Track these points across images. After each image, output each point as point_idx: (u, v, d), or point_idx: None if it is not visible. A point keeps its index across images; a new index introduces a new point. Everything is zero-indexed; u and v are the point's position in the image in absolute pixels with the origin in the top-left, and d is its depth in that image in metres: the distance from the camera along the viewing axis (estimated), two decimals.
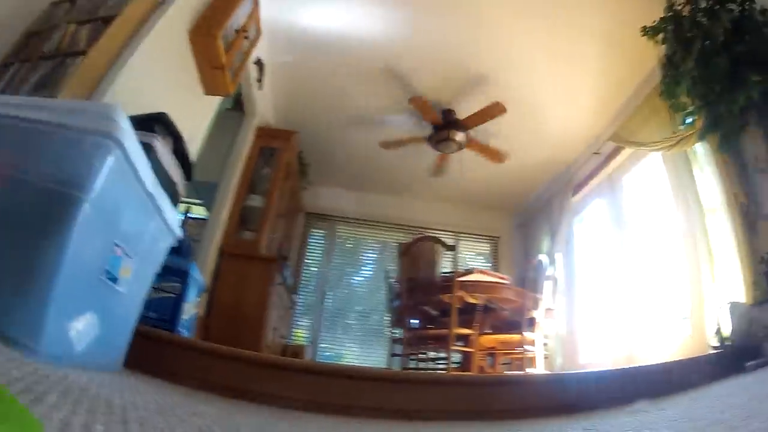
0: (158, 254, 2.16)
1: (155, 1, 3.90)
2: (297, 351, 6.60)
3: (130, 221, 1.82)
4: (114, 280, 1.78)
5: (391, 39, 5.58)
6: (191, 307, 3.51)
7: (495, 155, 6.46)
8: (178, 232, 2.22)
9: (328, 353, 7.71)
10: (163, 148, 2.27)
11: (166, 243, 2.18)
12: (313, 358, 7.26)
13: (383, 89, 6.27)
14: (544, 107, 6.22)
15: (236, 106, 6.11)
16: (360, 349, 7.95)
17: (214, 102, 4.81)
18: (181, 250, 2.94)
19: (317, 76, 6.26)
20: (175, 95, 4.15)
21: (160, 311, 3.12)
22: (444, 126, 6.34)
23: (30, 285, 1.44)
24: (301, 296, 7.94)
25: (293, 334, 7.58)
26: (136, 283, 1.99)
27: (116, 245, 1.75)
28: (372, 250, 8.74)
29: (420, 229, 7.54)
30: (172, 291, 3.26)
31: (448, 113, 6.38)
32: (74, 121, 1.61)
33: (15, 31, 4.23)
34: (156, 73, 3.85)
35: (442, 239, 4.84)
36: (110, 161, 1.57)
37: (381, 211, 8.64)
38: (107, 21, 3.63)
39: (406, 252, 5.03)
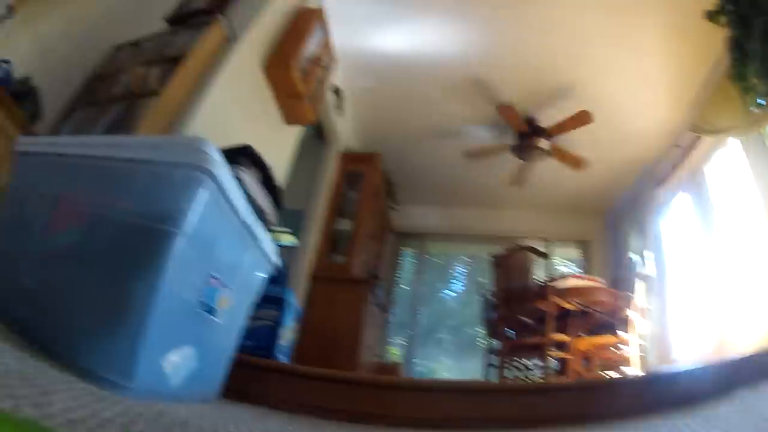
0: (256, 283, 2.15)
1: (223, 38, 3.96)
2: (392, 368, 6.58)
3: (226, 252, 1.81)
4: (211, 311, 1.77)
5: (464, 52, 5.58)
6: (288, 333, 3.52)
7: (575, 162, 6.31)
8: (276, 261, 2.21)
9: (421, 369, 7.67)
10: (250, 179, 2.26)
11: (263, 272, 2.17)
12: (408, 374, 7.21)
13: (462, 104, 6.26)
14: (620, 105, 6.05)
15: (317, 134, 6.18)
16: (453, 363, 7.88)
17: (296, 131, 4.88)
18: (277, 278, 2.94)
19: (396, 97, 6.31)
20: (255, 128, 4.21)
21: (257, 339, 3.13)
22: (529, 134, 6.25)
23: (121, 322, 1.44)
24: (394, 314, 7.91)
25: (388, 352, 7.56)
26: (234, 313, 1.98)
27: (212, 277, 1.74)
28: (462, 264, 8.67)
29: (509, 239, 7.41)
30: (269, 318, 3.28)
31: (531, 121, 6.27)
32: (161, 156, 1.62)
33: (74, 74, 4.37)
34: (233, 108, 3.91)
35: (536, 247, 4.74)
36: (203, 193, 1.56)
37: (470, 224, 8.54)
38: (176, 61, 3.69)
39: (500, 263, 4.95)
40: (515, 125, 6.14)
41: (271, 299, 3.19)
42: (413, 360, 7.65)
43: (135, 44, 4.39)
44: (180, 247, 1.50)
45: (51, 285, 1.63)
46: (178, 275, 1.52)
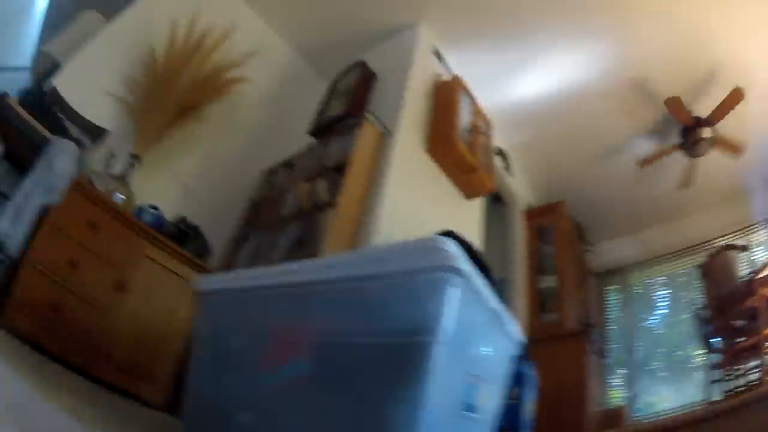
0: (505, 367, 2.04)
1: (378, 134, 3.99)
2: (617, 413, 6.25)
3: (480, 344, 1.72)
4: (472, 409, 1.67)
5: (601, 71, 5.44)
6: (530, 406, 3.38)
7: (734, 148, 5.89)
8: (520, 339, 2.10)
9: (641, 406, 7.25)
10: None
11: (510, 353, 2.06)
12: (632, 416, 6.83)
13: (619, 123, 6.07)
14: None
15: (495, 200, 6.21)
16: (670, 391, 7.41)
17: (478, 203, 4.86)
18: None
19: (555, 141, 6.24)
20: (438, 211, 4.23)
21: (504, 419, 3.02)
22: (693, 127, 5.91)
23: None
24: (609, 356, 7.56)
25: (609, 396, 7.22)
26: (489, 404, 1.88)
27: (471, 375, 1.65)
28: (663, 285, 8.20)
29: (705, 245, 7.03)
30: (513, 396, 3.16)
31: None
32: (396, 266, 1.54)
33: (225, 205, 4.61)
34: (411, 198, 3.92)
35: (732, 243, 4.45)
36: (454, 293, 1.44)
37: (663, 243, 7.99)
38: (339, 169, 3.72)
39: (705, 273, 4.70)
40: (682, 118, 5.79)
41: (512, 376, 3.09)
42: (633, 398, 7.25)
43: (287, 164, 4.50)
44: (439, 355, 1.39)
45: (281, 417, 1.61)
46: (439, 385, 1.41)
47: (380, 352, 1.46)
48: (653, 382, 7.50)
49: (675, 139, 6.08)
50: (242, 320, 1.93)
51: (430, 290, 1.44)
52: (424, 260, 1.49)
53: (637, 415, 6.90)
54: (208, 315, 2.10)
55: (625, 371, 7.49)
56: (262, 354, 1.74)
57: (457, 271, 1.46)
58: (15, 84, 3.51)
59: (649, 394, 7.39)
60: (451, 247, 1.51)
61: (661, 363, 7.60)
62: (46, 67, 4.60)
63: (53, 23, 5.35)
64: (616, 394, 7.37)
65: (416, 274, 1.48)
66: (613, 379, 7.46)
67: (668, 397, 7.31)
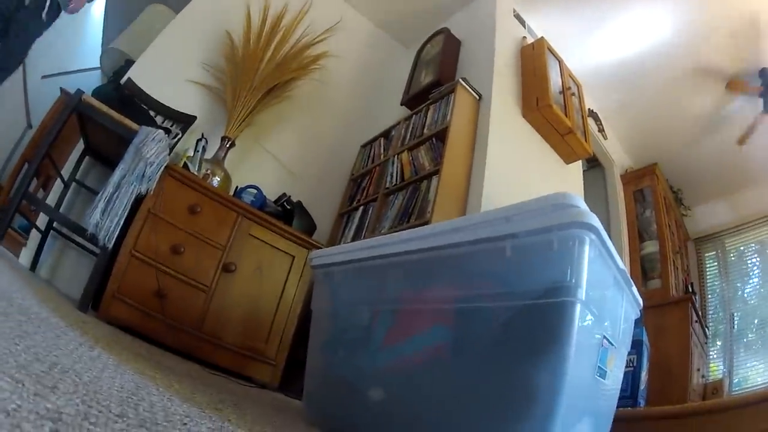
0: (629, 331, 1.93)
1: (473, 99, 3.93)
2: (716, 387, 6.07)
3: (609, 306, 1.63)
4: (603, 375, 1.59)
5: (678, 28, 5.23)
6: (644, 375, 3.29)
7: None
8: (641, 303, 2.01)
9: (738, 379, 7.00)
10: None
11: (633, 316, 1.96)
12: (729, 389, 6.60)
13: (707, 81, 5.81)
14: None
15: (591, 164, 6.21)
16: (764, 365, 7.12)
17: (578, 167, 4.79)
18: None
19: (647, 101, 6.07)
20: (539, 175, 4.17)
21: (622, 388, 2.95)
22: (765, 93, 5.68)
23: (523, 418, 1.29)
24: (709, 326, 7.31)
25: (709, 369, 7.00)
26: (617, 369, 1.79)
27: (603, 337, 1.57)
28: (755, 252, 7.87)
29: None
30: (630, 364, 3.08)
31: (763, 72, 5.66)
32: (526, 225, 1.45)
33: (324, 180, 4.63)
34: (512, 162, 3.88)
35: None
36: (589, 251, 1.36)
37: (756, 206, 7.54)
38: (439, 136, 3.72)
39: None
40: (750, 91, 5.66)
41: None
42: (730, 371, 7.00)
43: (384, 136, 4.49)
44: (580, 316, 1.32)
45: (414, 391, 1.56)
46: (579, 347, 1.34)
47: (518, 315, 1.39)
48: (748, 354, 7.26)
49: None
50: (365, 292, 1.89)
51: (567, 248, 1.37)
52: (556, 217, 1.41)
53: (736, 389, 6.69)
54: (326, 290, 2.06)
55: (722, 343, 7.24)
56: (390, 325, 1.70)
57: (591, 228, 1.37)
58: (87, 85, 3.54)
59: (744, 367, 7.15)
60: (582, 203, 1.43)
61: (755, 336, 7.34)
62: (117, 63, 4.68)
63: (115, 21, 5.44)
64: (714, 366, 7.15)
65: (550, 232, 1.40)
66: (711, 350, 7.23)
67: (759, 372, 7.07)
